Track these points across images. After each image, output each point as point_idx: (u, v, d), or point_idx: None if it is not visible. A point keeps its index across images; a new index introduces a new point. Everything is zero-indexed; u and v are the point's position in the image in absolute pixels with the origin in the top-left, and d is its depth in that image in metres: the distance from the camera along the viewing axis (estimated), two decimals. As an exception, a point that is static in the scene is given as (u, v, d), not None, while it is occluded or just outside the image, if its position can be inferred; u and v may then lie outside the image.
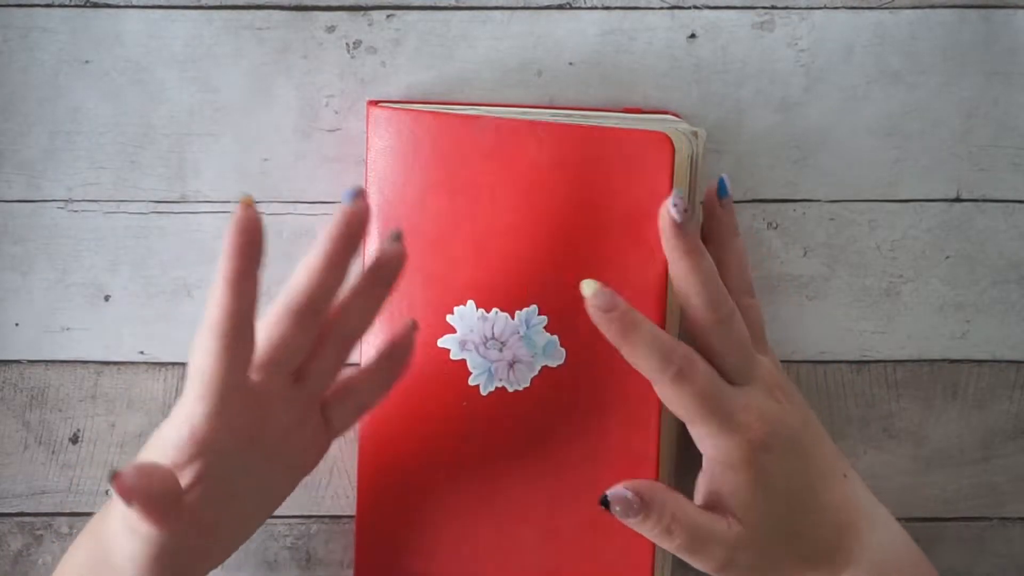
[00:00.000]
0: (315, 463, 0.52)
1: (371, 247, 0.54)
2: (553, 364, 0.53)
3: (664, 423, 0.52)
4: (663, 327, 0.51)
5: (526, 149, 0.52)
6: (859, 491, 0.52)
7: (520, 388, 0.53)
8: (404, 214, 0.53)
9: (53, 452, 0.60)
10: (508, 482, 0.54)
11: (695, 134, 0.54)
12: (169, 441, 0.47)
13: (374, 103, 0.55)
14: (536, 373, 0.53)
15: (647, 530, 0.48)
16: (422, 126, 0.53)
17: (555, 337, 0.52)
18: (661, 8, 0.57)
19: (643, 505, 0.48)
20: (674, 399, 0.48)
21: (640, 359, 0.48)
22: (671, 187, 0.50)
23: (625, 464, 0.52)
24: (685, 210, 0.48)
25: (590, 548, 0.53)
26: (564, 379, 0.53)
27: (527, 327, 0.53)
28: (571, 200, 0.52)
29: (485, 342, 0.53)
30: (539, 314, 0.52)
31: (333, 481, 0.59)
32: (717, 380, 0.48)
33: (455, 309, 0.53)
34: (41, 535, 0.60)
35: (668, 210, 0.48)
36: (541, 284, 0.52)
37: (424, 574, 0.54)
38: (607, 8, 0.57)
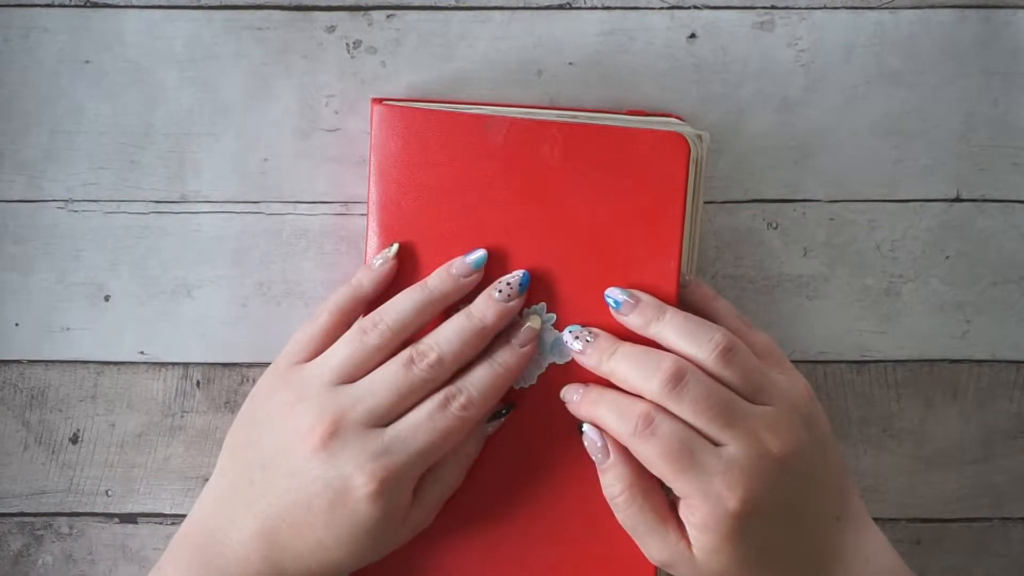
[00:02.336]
0: None
1: (371, 244, 0.54)
2: (560, 362, 0.53)
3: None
4: None
5: (538, 148, 0.52)
6: (848, 536, 0.51)
7: (527, 385, 0.53)
8: (409, 212, 0.53)
9: (53, 452, 0.60)
10: (513, 479, 0.53)
11: (699, 137, 0.54)
12: None
13: (378, 100, 0.54)
14: (543, 370, 0.53)
15: (604, 483, 0.50)
16: (432, 124, 0.53)
17: (563, 334, 0.52)
18: (661, 8, 0.57)
19: (605, 455, 0.50)
20: (641, 457, 0.49)
21: (601, 419, 0.50)
22: (685, 188, 0.50)
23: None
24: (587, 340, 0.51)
25: (594, 546, 0.53)
26: (571, 377, 0.53)
27: (534, 324, 0.53)
28: (582, 199, 0.52)
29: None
30: (547, 311, 0.53)
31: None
32: (689, 438, 0.48)
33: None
34: (41, 535, 0.60)
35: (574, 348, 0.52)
36: (550, 281, 0.52)
37: (426, 572, 0.54)
38: (607, 8, 0.57)
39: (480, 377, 0.51)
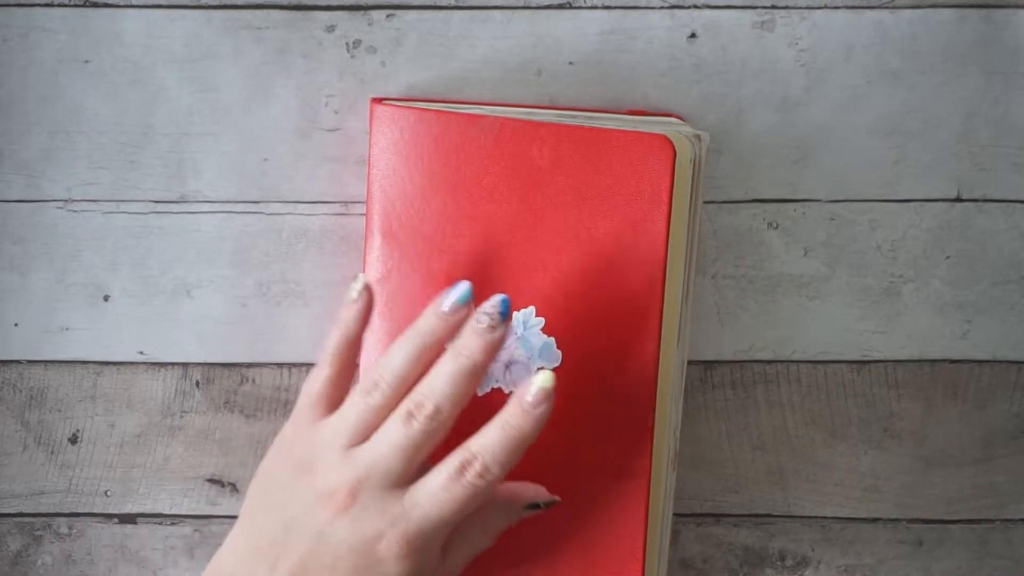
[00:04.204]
0: None
1: (369, 244, 0.54)
2: (550, 366, 0.53)
3: (659, 425, 0.52)
4: (659, 332, 0.51)
5: (529, 149, 0.52)
6: None
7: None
8: (405, 211, 0.53)
9: (52, 452, 0.60)
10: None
11: (698, 137, 0.54)
12: None
13: (377, 100, 0.55)
14: (532, 375, 0.53)
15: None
16: (426, 124, 0.53)
17: (552, 339, 0.52)
18: (661, 8, 0.57)
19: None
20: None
21: None
22: (671, 190, 0.50)
23: (619, 465, 0.52)
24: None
25: (583, 547, 0.53)
26: (560, 381, 0.52)
27: (524, 328, 0.53)
28: (571, 200, 0.52)
29: (483, 342, 0.53)
30: (537, 315, 0.52)
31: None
32: None
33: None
34: (40, 535, 0.60)
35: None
36: (539, 285, 0.52)
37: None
38: (607, 8, 0.57)
39: (493, 442, 0.49)
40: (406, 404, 0.49)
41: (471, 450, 0.49)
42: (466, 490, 0.48)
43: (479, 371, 0.50)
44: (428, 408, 0.49)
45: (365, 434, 0.50)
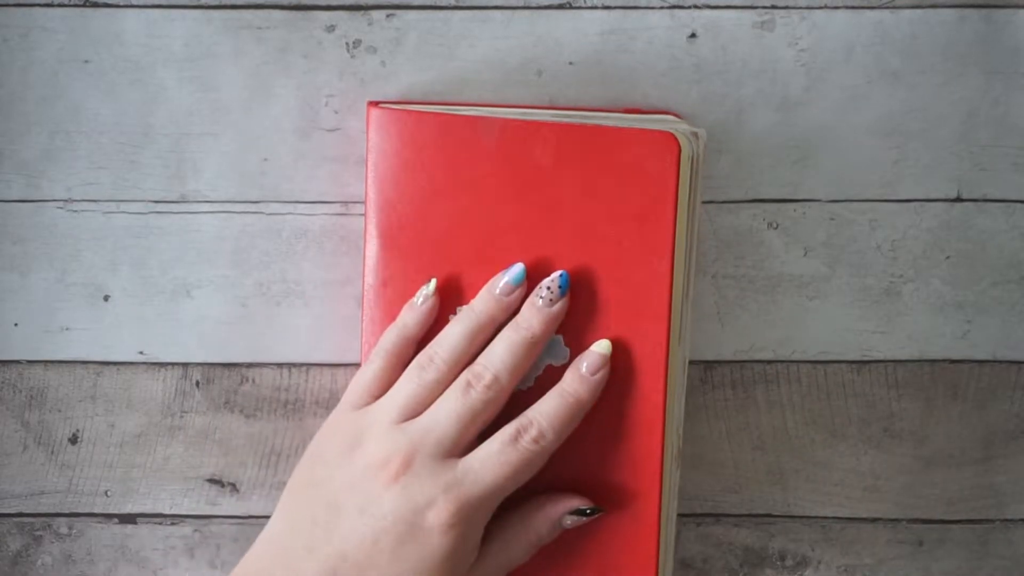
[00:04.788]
0: None
1: (369, 247, 0.54)
2: (557, 363, 0.53)
3: (668, 423, 0.52)
4: (667, 328, 0.51)
5: (530, 149, 0.52)
6: None
7: (524, 388, 0.53)
8: (406, 215, 0.53)
9: (52, 452, 0.60)
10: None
11: (695, 135, 0.54)
12: None
13: (374, 104, 0.54)
14: (540, 372, 0.53)
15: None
16: (425, 127, 0.53)
17: (559, 336, 0.52)
18: (661, 8, 0.57)
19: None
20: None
21: None
22: (677, 187, 0.50)
23: (629, 463, 0.52)
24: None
25: (594, 548, 0.53)
26: None
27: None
28: (575, 199, 0.52)
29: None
30: None
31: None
32: None
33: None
34: (40, 535, 0.60)
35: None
36: None
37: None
38: (607, 8, 0.57)
39: (550, 408, 0.50)
40: (465, 375, 0.50)
41: (528, 416, 0.50)
42: (521, 455, 0.49)
43: (538, 343, 0.51)
44: (487, 377, 0.50)
45: (417, 410, 0.50)
